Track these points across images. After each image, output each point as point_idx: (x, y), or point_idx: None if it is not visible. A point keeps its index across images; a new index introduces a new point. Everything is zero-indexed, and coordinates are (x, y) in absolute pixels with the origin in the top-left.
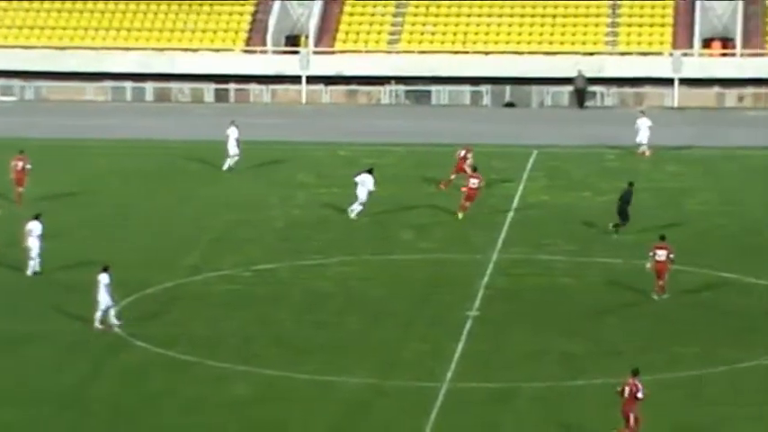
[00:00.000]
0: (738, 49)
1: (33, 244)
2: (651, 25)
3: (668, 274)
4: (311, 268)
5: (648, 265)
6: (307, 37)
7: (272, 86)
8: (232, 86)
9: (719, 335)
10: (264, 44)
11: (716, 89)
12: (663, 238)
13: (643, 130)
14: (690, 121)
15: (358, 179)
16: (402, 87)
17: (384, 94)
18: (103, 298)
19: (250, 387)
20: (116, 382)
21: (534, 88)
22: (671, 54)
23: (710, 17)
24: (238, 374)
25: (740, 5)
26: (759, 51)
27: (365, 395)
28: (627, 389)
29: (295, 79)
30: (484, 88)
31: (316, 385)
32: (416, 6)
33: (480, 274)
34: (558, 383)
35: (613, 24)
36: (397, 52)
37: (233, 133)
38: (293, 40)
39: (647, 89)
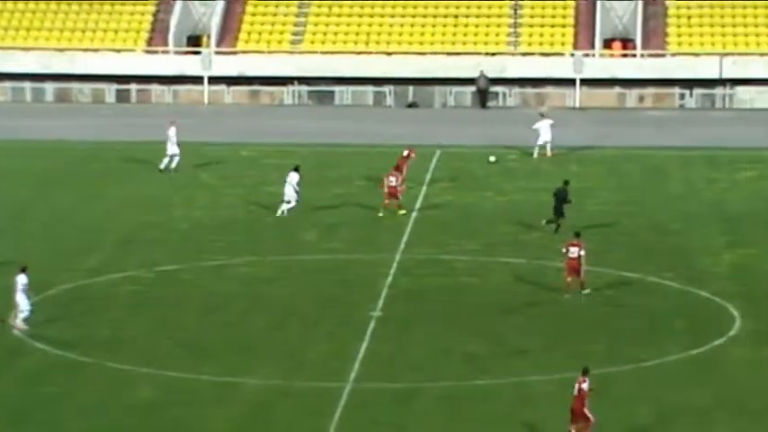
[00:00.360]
0: (639, 50)
1: None
2: (552, 26)
3: (583, 271)
4: (215, 269)
5: (563, 263)
6: (209, 37)
7: (173, 87)
8: (133, 87)
9: (624, 334)
10: (166, 44)
11: (617, 89)
12: (577, 234)
13: (544, 131)
14: (591, 122)
15: (287, 178)
16: (305, 88)
17: (287, 94)
18: (22, 300)
19: (153, 389)
20: (14, 385)
21: (437, 88)
22: (572, 55)
23: (611, 18)
24: (141, 376)
25: (640, 6)
26: (659, 52)
27: (269, 396)
28: (576, 386)
29: (197, 80)
30: (387, 89)
31: (219, 387)
32: (319, 7)
33: (384, 275)
34: (461, 383)
35: (515, 25)
36: (300, 52)
37: (172, 133)
38: (195, 41)
39: (548, 89)
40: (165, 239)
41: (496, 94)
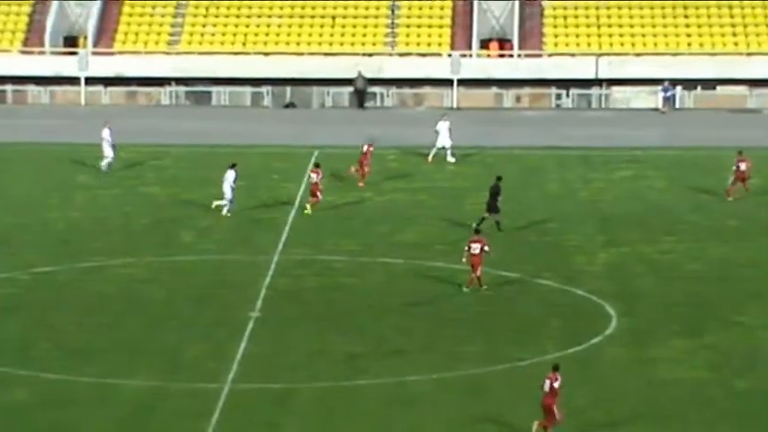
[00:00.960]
0: (515, 50)
1: None
2: (430, 26)
3: (481, 267)
4: (92, 271)
5: (464, 259)
6: (85, 38)
7: (50, 88)
8: (9, 87)
9: (501, 333)
10: (42, 45)
11: (494, 90)
12: (478, 231)
13: (443, 134)
14: (469, 122)
15: (224, 176)
16: (182, 88)
17: (164, 95)
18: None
19: (30, 392)
20: None
21: (315, 89)
22: (449, 55)
23: (488, 18)
24: (18, 379)
25: (516, 7)
26: (535, 52)
27: (148, 398)
28: (548, 382)
29: (74, 80)
30: (264, 89)
31: (98, 389)
32: (196, 7)
33: (262, 275)
34: (339, 383)
35: (392, 25)
36: (177, 53)
37: (106, 134)
38: (72, 41)
39: (426, 90)
40: (40, 241)
41: (374, 94)
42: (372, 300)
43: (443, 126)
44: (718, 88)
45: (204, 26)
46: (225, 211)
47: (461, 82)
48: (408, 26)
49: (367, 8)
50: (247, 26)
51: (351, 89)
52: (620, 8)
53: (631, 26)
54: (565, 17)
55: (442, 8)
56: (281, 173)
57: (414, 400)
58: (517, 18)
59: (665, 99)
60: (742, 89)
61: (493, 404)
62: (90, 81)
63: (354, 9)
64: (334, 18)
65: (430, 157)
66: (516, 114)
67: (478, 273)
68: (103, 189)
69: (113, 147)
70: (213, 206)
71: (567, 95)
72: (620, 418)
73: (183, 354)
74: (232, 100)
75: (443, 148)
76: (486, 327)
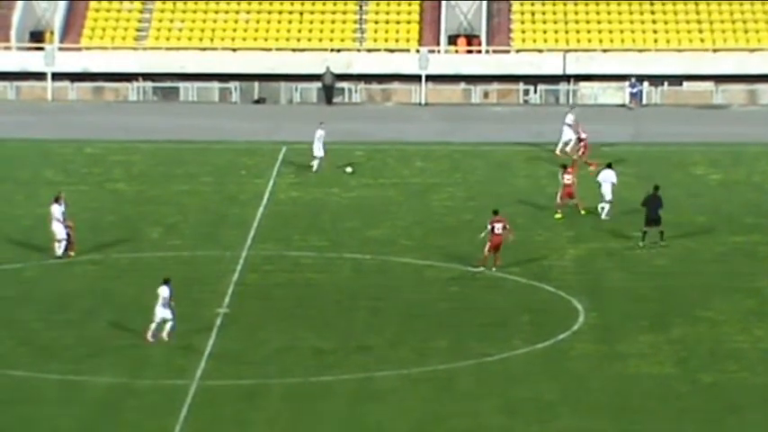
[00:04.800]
0: (484, 46)
1: None
2: (398, 22)
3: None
4: (59, 267)
5: (482, 235)
6: (52, 33)
7: (16, 83)
8: None
9: (468, 329)
10: (8, 40)
11: (462, 86)
12: (496, 212)
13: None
14: (437, 117)
15: None
16: (150, 84)
17: (131, 90)
18: (160, 311)
19: None
20: None
21: (283, 85)
22: (418, 51)
23: (456, 14)
24: None
25: (484, 3)
26: (503, 48)
27: (115, 395)
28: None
29: (40, 76)
30: (232, 85)
31: (65, 386)
32: (164, 2)
33: (231, 271)
34: (308, 379)
35: (361, 21)
36: (145, 49)
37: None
38: (38, 36)
39: (395, 85)
40: (7, 237)
41: (342, 90)
42: (341, 296)
43: (570, 119)
44: (685, 84)
45: (172, 22)
46: None
47: (430, 78)
48: (377, 22)
49: (335, 4)
50: (215, 22)
51: (319, 85)
52: (587, 4)
53: (599, 22)
54: (532, 13)
55: (410, 4)
56: (250, 168)
57: (382, 395)
58: (485, 14)
59: (633, 95)
60: (708, 85)
61: (461, 399)
62: (57, 77)
63: (323, 5)
64: (302, 14)
65: (558, 151)
66: (484, 110)
67: (499, 252)
68: (70, 185)
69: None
70: None
71: (535, 91)
72: (588, 413)
73: (150, 350)
74: (200, 96)
75: (569, 141)
76: (454, 322)
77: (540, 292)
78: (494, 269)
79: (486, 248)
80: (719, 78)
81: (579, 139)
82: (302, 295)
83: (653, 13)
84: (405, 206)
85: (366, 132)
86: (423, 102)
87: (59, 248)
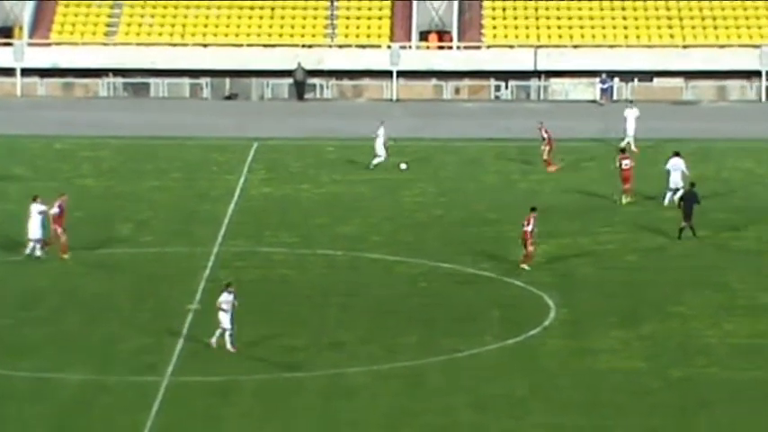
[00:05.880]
0: (455, 42)
1: None
2: (369, 18)
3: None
4: (27, 264)
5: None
6: (21, 28)
7: None
8: None
9: (438, 325)
10: None
11: (433, 81)
12: (533, 209)
13: (630, 122)
14: (409, 113)
15: None
16: (120, 80)
17: (101, 86)
18: (224, 319)
19: None
20: None
21: (254, 80)
22: (389, 47)
23: (428, 10)
24: None
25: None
26: (475, 44)
27: (86, 392)
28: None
29: (9, 72)
30: (203, 81)
31: (35, 383)
32: None
33: (202, 268)
34: (279, 375)
35: (332, 17)
36: (115, 44)
37: None
38: (7, 32)
39: (366, 81)
40: None
41: (314, 86)
42: (312, 292)
43: (631, 114)
44: (656, 80)
45: (142, 17)
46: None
47: (401, 74)
48: (348, 18)
49: (307, 0)
50: (186, 17)
51: (290, 81)
52: (558, 0)
53: (569, 18)
54: (504, 9)
55: (381, 0)
56: (221, 165)
57: (353, 391)
58: (456, 10)
59: (603, 91)
60: (679, 81)
61: (432, 395)
62: (26, 72)
63: (294, 0)
64: (273, 9)
65: (623, 144)
66: (456, 106)
67: (530, 249)
68: (39, 182)
69: None
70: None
71: (506, 87)
72: (558, 408)
73: (121, 347)
74: (171, 92)
75: (631, 136)
76: (425, 318)
77: (511, 288)
78: (526, 267)
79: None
80: (689, 74)
81: (543, 138)
82: (273, 291)
83: (623, 9)
84: (375, 202)
85: (337, 128)
86: (394, 98)
87: (30, 248)
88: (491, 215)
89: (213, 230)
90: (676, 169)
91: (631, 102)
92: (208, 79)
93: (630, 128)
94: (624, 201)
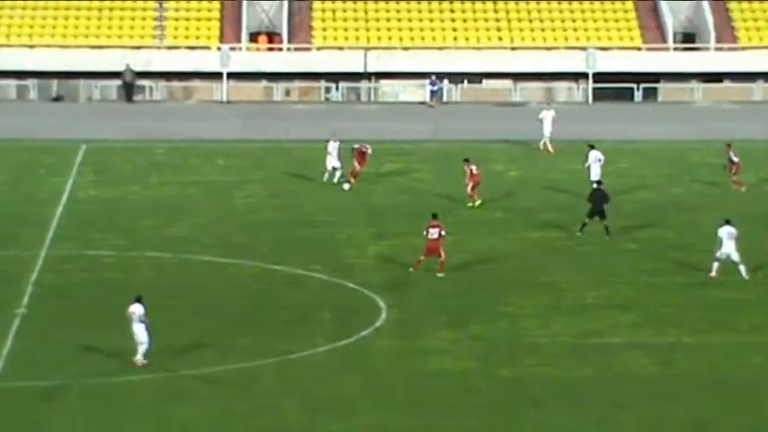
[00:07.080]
0: (285, 44)
1: None
2: (199, 19)
3: (444, 252)
4: None
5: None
6: None
7: None
8: None
9: (270, 327)
10: None
11: (264, 83)
12: (435, 216)
13: (547, 123)
14: (239, 115)
15: None
16: None
17: None
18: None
19: None
20: None
21: (82, 82)
22: (219, 48)
23: (257, 12)
24: None
25: (285, 1)
26: (305, 46)
27: None
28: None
29: None
30: (30, 82)
31: None
32: None
33: (29, 271)
34: (108, 379)
35: (161, 18)
36: None
37: None
38: None
39: (195, 83)
40: None
41: (143, 87)
42: (141, 295)
43: (547, 115)
44: (484, 82)
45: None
46: None
47: (231, 75)
48: (177, 19)
49: (135, 1)
50: (11, 17)
51: (119, 82)
52: (387, 3)
53: (399, 20)
54: (333, 11)
55: (210, 1)
56: (49, 167)
57: (185, 394)
58: (286, 12)
59: (433, 93)
60: (507, 83)
61: (264, 397)
62: None
63: (122, 2)
64: (101, 10)
65: (541, 146)
66: (286, 108)
67: (442, 257)
68: None
69: None
70: None
71: (337, 89)
72: (388, 408)
73: None
74: None
75: (548, 136)
76: (256, 320)
77: (343, 289)
78: (411, 269)
79: (423, 252)
80: (517, 76)
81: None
82: (102, 295)
83: (452, 11)
84: (205, 204)
85: (167, 130)
86: (224, 99)
87: None
88: (322, 217)
89: (40, 234)
90: (596, 161)
91: (548, 104)
92: (34, 81)
93: (547, 129)
94: (476, 204)
